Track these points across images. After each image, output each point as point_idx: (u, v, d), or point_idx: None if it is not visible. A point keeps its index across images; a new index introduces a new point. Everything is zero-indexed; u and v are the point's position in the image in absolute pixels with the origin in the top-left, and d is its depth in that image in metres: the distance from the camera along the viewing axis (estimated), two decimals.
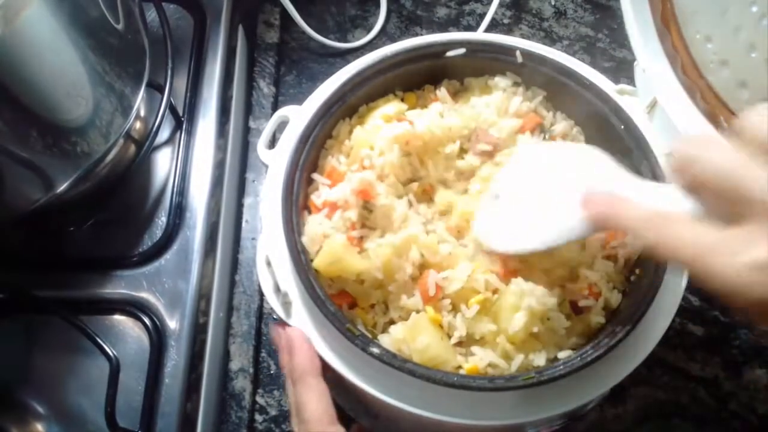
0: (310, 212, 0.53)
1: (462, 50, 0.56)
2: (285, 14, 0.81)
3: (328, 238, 0.50)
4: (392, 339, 0.47)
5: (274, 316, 0.66)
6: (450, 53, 0.56)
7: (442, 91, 0.56)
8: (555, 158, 0.50)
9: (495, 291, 0.48)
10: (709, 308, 0.67)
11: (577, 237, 0.45)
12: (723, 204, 0.33)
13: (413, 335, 0.46)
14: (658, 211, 0.37)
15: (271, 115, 0.64)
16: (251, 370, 0.66)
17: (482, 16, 0.82)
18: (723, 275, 0.32)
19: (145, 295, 0.63)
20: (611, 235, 0.51)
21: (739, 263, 0.31)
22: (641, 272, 0.49)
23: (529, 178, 0.50)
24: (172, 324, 0.62)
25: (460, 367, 0.47)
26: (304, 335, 0.48)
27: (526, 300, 0.46)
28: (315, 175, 0.54)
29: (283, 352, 0.49)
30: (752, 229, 0.31)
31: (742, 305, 0.32)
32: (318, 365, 0.47)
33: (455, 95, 0.57)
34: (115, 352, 0.59)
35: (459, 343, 0.48)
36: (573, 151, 0.51)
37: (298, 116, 0.55)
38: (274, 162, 0.54)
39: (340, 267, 0.48)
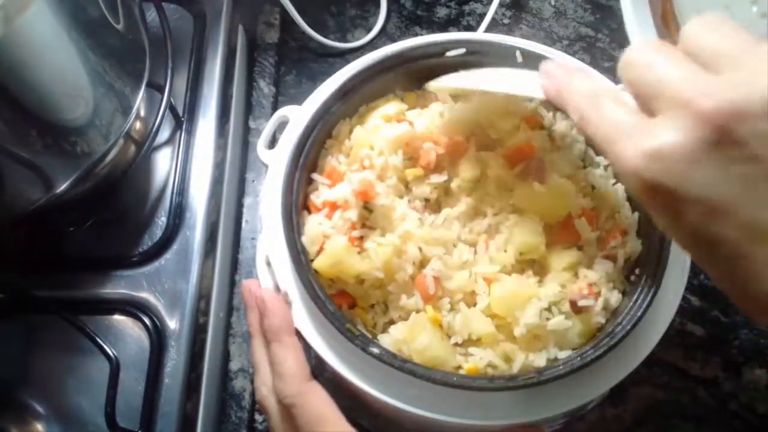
0: (310, 212, 0.53)
1: (462, 50, 0.56)
2: (285, 14, 0.81)
3: (329, 238, 0.50)
4: (392, 339, 0.47)
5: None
6: (450, 53, 0.56)
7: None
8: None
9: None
10: (709, 308, 0.67)
11: (529, 95, 0.47)
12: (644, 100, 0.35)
13: (413, 335, 0.46)
14: (601, 87, 0.38)
15: (271, 115, 0.64)
16: (251, 370, 0.66)
17: (482, 16, 0.82)
18: (623, 158, 0.33)
19: (145, 295, 0.63)
20: (611, 234, 0.51)
21: (638, 148, 0.32)
22: (641, 272, 0.49)
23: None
24: (172, 324, 0.62)
25: (459, 367, 0.47)
26: (276, 294, 0.49)
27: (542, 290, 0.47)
28: (315, 175, 0.54)
29: (253, 311, 0.50)
30: (658, 121, 0.33)
31: (633, 190, 0.33)
32: (292, 323, 0.48)
33: (455, 96, 0.57)
34: (115, 352, 0.59)
35: (459, 344, 0.48)
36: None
37: (298, 116, 0.55)
38: (274, 162, 0.54)
39: (341, 269, 0.48)
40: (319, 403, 0.45)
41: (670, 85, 0.33)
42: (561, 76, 0.41)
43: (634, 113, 0.35)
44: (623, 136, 0.34)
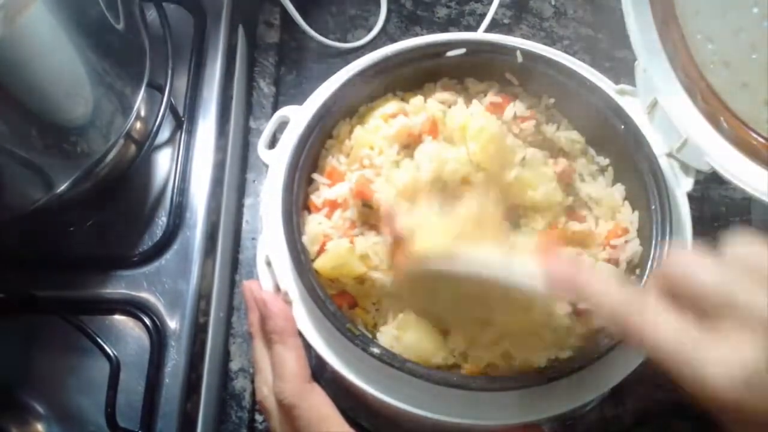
0: (310, 212, 0.53)
1: (462, 50, 0.56)
2: (285, 14, 0.81)
3: (329, 238, 0.50)
4: (384, 338, 0.48)
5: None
6: (450, 53, 0.56)
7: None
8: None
9: None
10: None
11: (526, 286, 0.42)
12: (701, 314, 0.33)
13: (402, 332, 0.47)
14: (632, 295, 0.35)
15: (271, 115, 0.64)
16: (251, 370, 0.66)
17: (482, 16, 0.82)
18: (714, 380, 0.31)
19: (145, 295, 0.63)
20: (612, 233, 0.51)
21: (734, 369, 0.30)
22: (641, 272, 0.49)
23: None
24: (172, 324, 0.62)
25: (457, 365, 0.47)
26: (277, 295, 0.49)
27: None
28: (315, 176, 0.54)
29: (253, 312, 0.50)
30: (733, 334, 0.31)
31: (733, 417, 0.32)
32: (294, 324, 0.48)
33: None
34: (115, 352, 0.59)
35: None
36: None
37: (298, 116, 0.55)
38: (275, 162, 0.54)
39: (343, 271, 0.48)
40: (319, 404, 0.45)
41: (741, 299, 0.31)
42: (573, 270, 0.38)
43: (693, 326, 0.32)
44: (698, 354, 0.31)
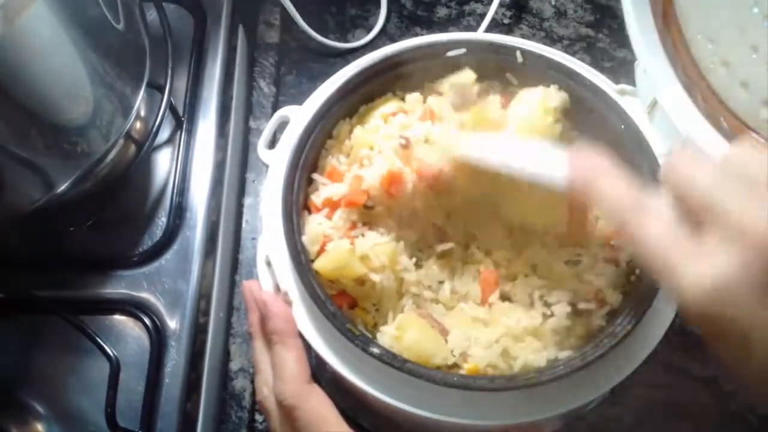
0: (310, 212, 0.53)
1: (462, 50, 0.56)
2: (285, 14, 0.81)
3: (329, 238, 0.50)
4: (384, 338, 0.48)
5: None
6: (450, 53, 0.56)
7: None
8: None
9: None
10: None
11: (550, 183, 0.43)
12: (692, 213, 0.34)
13: (401, 333, 0.47)
14: (638, 199, 0.36)
15: (271, 115, 0.64)
16: (251, 370, 0.66)
17: (482, 16, 0.82)
18: (680, 286, 0.32)
19: (145, 295, 0.63)
20: (612, 233, 0.51)
21: (696, 276, 0.31)
22: (641, 272, 0.49)
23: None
24: (172, 324, 0.62)
25: (457, 365, 0.47)
26: (277, 296, 0.49)
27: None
28: (315, 176, 0.54)
29: (253, 312, 0.50)
30: (713, 247, 0.31)
31: (690, 318, 0.32)
32: (294, 325, 0.48)
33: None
34: (115, 352, 0.59)
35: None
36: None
37: (298, 116, 0.55)
38: (275, 162, 0.54)
39: (343, 273, 0.48)
40: (319, 405, 0.45)
41: (725, 205, 0.32)
42: (590, 167, 0.39)
43: (681, 232, 0.33)
44: (676, 261, 0.32)
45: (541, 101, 0.52)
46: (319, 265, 0.48)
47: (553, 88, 0.53)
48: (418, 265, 0.51)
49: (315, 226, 0.50)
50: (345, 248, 0.48)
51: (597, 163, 0.39)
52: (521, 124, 0.52)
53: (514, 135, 0.51)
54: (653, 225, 0.34)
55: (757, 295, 0.30)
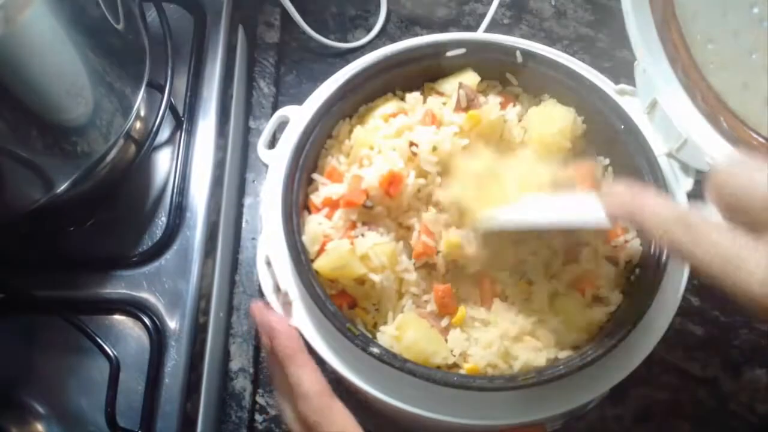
0: (310, 212, 0.53)
1: (462, 50, 0.56)
2: (285, 14, 0.81)
3: (329, 238, 0.50)
4: (384, 338, 0.48)
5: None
6: (450, 53, 0.56)
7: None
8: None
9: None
10: (709, 308, 0.67)
11: (593, 226, 0.44)
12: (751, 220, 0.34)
13: (401, 332, 0.47)
14: (684, 212, 0.36)
15: (271, 115, 0.64)
16: (251, 370, 0.66)
17: (482, 16, 0.82)
18: (748, 290, 0.32)
19: (145, 295, 0.63)
20: (612, 233, 0.51)
21: (762, 278, 0.31)
22: (641, 272, 0.49)
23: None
24: (172, 324, 0.62)
25: (456, 365, 0.47)
26: (282, 316, 0.48)
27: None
28: (315, 175, 0.54)
29: (264, 334, 0.49)
30: None
31: (764, 317, 0.32)
32: (301, 341, 0.47)
33: None
34: (115, 352, 0.59)
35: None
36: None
37: (298, 116, 0.55)
38: (274, 162, 0.54)
39: (344, 273, 0.48)
40: (342, 420, 0.44)
41: None
42: (628, 196, 0.39)
43: (737, 232, 0.33)
44: (739, 258, 0.32)
45: (561, 130, 0.53)
46: (319, 264, 0.48)
47: (570, 112, 0.54)
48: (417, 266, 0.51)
49: (315, 226, 0.50)
50: (345, 248, 0.48)
51: (632, 192, 0.39)
52: (539, 146, 0.53)
53: (533, 196, 0.50)
54: (708, 234, 0.34)
55: None
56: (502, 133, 0.54)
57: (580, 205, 0.45)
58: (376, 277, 0.48)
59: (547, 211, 0.48)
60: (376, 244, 0.49)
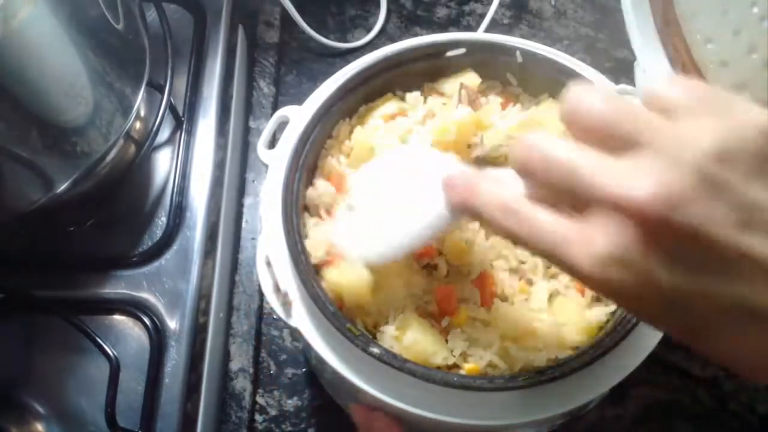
0: (308, 211, 0.53)
1: (462, 50, 0.56)
2: (285, 14, 0.81)
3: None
4: (384, 338, 0.48)
5: (275, 316, 0.66)
6: (450, 53, 0.56)
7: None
8: (411, 164, 0.46)
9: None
10: None
11: (440, 230, 0.42)
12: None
13: (401, 333, 0.47)
14: (511, 196, 0.34)
15: (271, 115, 0.64)
16: (251, 370, 0.66)
17: (482, 16, 0.82)
18: (573, 266, 0.31)
19: (145, 295, 0.63)
20: None
21: (585, 255, 0.30)
22: None
23: (385, 183, 0.47)
24: (172, 324, 0.62)
25: (457, 365, 0.47)
26: (379, 413, 0.47)
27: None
28: (319, 182, 0.54)
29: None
30: (594, 225, 0.30)
31: (594, 290, 0.32)
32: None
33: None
34: (115, 352, 0.59)
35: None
36: (430, 157, 0.46)
37: (298, 116, 0.55)
38: (274, 162, 0.54)
39: (359, 302, 0.48)
40: None
41: (585, 180, 0.30)
42: (463, 186, 0.37)
43: (559, 216, 0.32)
44: (563, 247, 0.31)
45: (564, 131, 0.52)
46: (330, 278, 0.48)
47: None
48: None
49: (322, 234, 0.51)
50: (365, 280, 0.47)
51: (466, 176, 0.38)
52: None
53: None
54: (532, 218, 0.33)
55: (645, 261, 0.29)
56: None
57: (427, 217, 0.42)
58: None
59: (396, 240, 0.44)
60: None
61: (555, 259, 0.32)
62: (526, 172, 0.33)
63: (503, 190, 0.35)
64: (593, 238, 0.30)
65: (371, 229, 0.46)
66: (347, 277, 0.48)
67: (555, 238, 0.32)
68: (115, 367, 0.58)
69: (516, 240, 0.34)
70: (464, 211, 0.38)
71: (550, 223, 0.32)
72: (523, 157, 0.33)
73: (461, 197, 0.37)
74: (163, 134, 0.71)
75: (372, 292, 0.48)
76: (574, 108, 0.33)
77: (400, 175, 0.46)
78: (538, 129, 0.52)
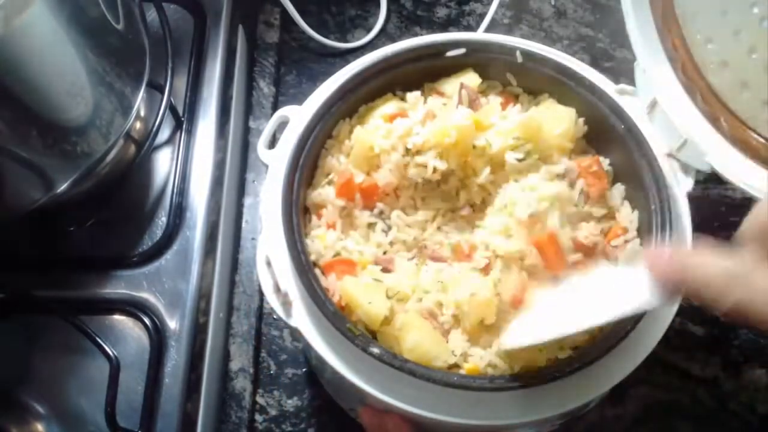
0: (308, 211, 0.53)
1: (462, 50, 0.56)
2: (285, 14, 0.81)
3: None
4: (383, 339, 0.48)
5: (275, 316, 0.66)
6: (450, 53, 0.56)
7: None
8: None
9: None
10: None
11: (647, 307, 0.39)
12: None
13: (403, 334, 0.47)
14: (734, 268, 0.34)
15: (271, 115, 0.64)
16: (251, 370, 0.66)
17: (482, 16, 0.82)
18: None
19: (145, 295, 0.63)
20: (612, 233, 0.51)
21: None
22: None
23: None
24: (172, 324, 0.62)
25: (457, 365, 0.47)
26: (390, 414, 0.47)
27: None
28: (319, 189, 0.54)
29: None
30: None
31: None
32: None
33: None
34: (115, 352, 0.59)
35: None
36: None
37: (298, 116, 0.55)
38: (274, 162, 0.54)
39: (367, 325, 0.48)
40: None
41: None
42: (672, 263, 0.36)
43: None
44: None
45: (565, 131, 0.53)
46: (346, 289, 0.48)
47: (570, 112, 0.54)
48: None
49: (329, 240, 0.51)
50: (383, 309, 0.47)
51: (674, 253, 0.37)
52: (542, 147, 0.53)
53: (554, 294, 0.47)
54: (761, 280, 0.33)
55: None
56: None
57: (616, 288, 0.40)
58: (401, 311, 0.48)
59: (577, 314, 0.42)
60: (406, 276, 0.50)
61: None
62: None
63: (719, 263, 0.34)
64: None
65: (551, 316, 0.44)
66: (364, 298, 0.48)
67: None
68: (115, 367, 0.58)
69: (742, 312, 0.33)
70: (678, 283, 0.36)
71: None
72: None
73: (674, 271, 0.36)
74: (163, 134, 0.71)
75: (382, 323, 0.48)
76: None
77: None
78: (537, 128, 0.52)
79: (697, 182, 0.53)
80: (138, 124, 0.69)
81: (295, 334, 0.67)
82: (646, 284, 0.37)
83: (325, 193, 0.53)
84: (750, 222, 0.34)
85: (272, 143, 0.56)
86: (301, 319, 0.49)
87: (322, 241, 0.51)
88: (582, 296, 0.43)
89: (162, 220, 0.67)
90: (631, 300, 0.38)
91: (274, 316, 0.68)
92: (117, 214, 0.68)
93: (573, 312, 0.43)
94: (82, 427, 0.59)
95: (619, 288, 0.41)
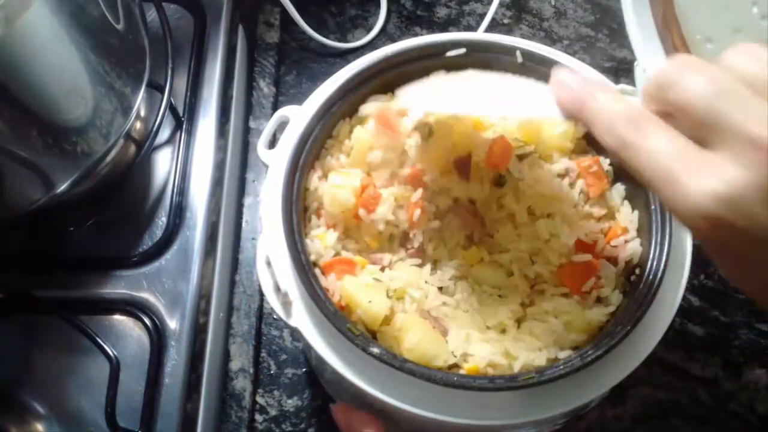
0: (307, 211, 0.53)
1: (462, 50, 0.56)
2: (285, 14, 0.81)
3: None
4: (383, 339, 0.48)
5: (275, 316, 0.66)
6: (450, 53, 0.56)
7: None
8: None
9: None
10: (709, 308, 0.67)
11: (548, 117, 0.42)
12: (691, 128, 0.31)
13: (402, 335, 0.47)
14: (637, 109, 0.33)
15: (271, 115, 0.64)
16: (251, 370, 0.66)
17: (482, 16, 0.82)
18: (685, 199, 0.30)
19: (145, 295, 0.63)
20: (611, 233, 0.51)
21: (703, 188, 0.29)
22: (641, 272, 0.49)
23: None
24: (172, 324, 0.62)
25: (457, 365, 0.47)
26: (360, 412, 0.47)
27: None
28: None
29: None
30: (722, 157, 0.30)
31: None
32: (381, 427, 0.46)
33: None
34: (115, 352, 0.59)
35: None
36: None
37: (298, 116, 0.55)
38: (274, 162, 0.54)
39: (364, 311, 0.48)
40: None
41: (728, 115, 0.30)
42: (581, 88, 0.36)
43: (686, 143, 0.31)
44: (681, 173, 0.30)
45: (565, 131, 0.53)
46: (347, 291, 0.48)
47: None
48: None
49: (332, 243, 0.51)
50: (383, 308, 0.48)
51: (582, 84, 0.37)
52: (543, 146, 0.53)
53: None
54: (657, 136, 0.32)
55: None
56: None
57: (532, 96, 0.42)
58: (400, 313, 0.48)
59: (496, 99, 0.45)
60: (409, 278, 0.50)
61: (659, 185, 0.31)
62: (664, 98, 0.32)
63: (626, 101, 0.34)
64: (716, 170, 0.29)
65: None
66: (364, 297, 0.48)
67: (673, 163, 0.30)
68: (115, 367, 0.58)
69: (626, 157, 0.33)
70: (576, 111, 0.36)
71: (670, 146, 0.31)
72: (676, 71, 0.32)
73: (576, 97, 0.36)
74: (163, 134, 0.71)
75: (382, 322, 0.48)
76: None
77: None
78: (537, 129, 0.52)
79: None
80: (138, 124, 0.69)
81: (295, 334, 0.67)
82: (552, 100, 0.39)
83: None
84: (648, 82, 0.34)
85: (272, 143, 0.56)
86: (301, 319, 0.49)
87: (322, 241, 0.51)
88: (497, 91, 0.46)
89: (162, 220, 0.68)
90: (539, 107, 0.41)
91: (274, 316, 0.68)
92: (117, 214, 0.68)
93: (483, 98, 0.45)
94: (82, 427, 0.59)
95: (530, 95, 0.43)
